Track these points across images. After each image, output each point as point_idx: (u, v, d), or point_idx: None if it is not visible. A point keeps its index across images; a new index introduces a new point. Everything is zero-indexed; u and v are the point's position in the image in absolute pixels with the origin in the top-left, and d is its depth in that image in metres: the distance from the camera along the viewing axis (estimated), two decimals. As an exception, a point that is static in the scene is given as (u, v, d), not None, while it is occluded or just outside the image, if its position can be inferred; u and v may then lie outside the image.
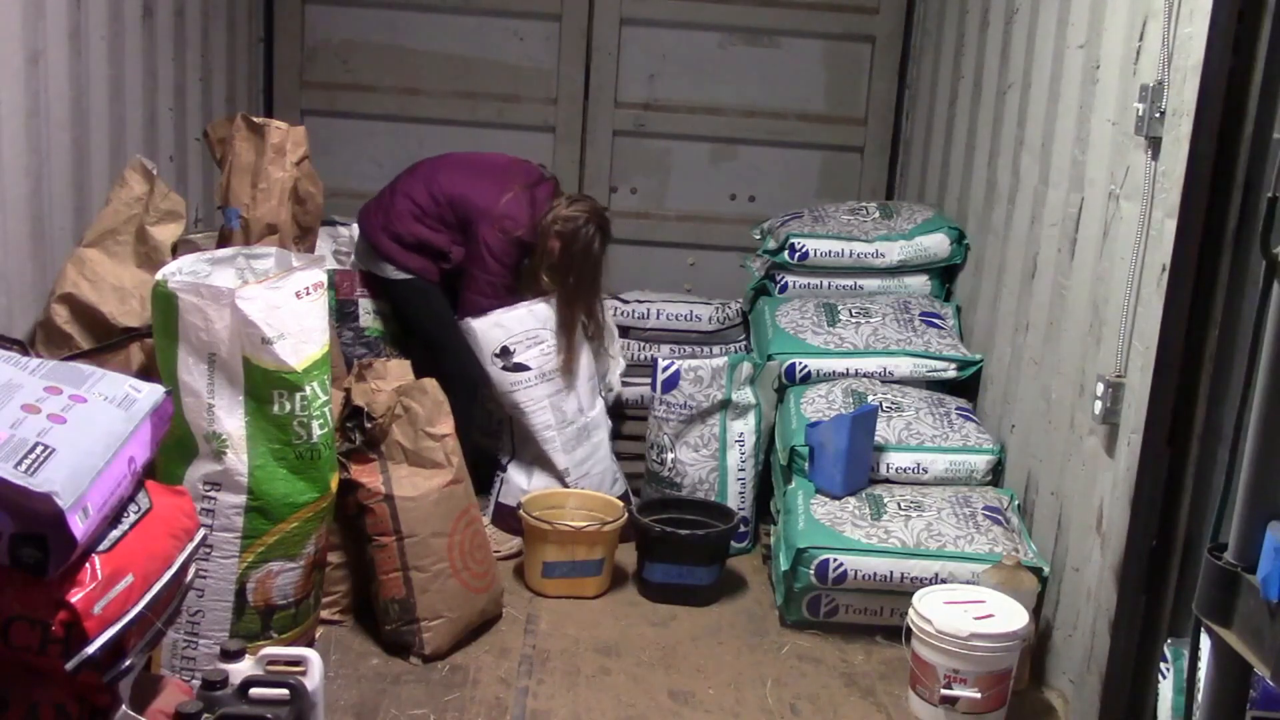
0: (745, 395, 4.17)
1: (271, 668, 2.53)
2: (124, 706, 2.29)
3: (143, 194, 3.33)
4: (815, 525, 3.67)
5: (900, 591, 3.51)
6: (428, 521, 3.36)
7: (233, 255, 3.13)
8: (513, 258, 4.10)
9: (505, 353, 4.07)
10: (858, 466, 3.85)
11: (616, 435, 4.52)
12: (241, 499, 2.94)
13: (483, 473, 4.12)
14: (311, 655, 2.58)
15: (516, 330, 4.08)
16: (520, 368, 4.08)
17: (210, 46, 4.54)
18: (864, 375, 4.26)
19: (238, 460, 2.92)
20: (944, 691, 3.14)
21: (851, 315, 4.42)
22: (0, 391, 2.21)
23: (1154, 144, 2.98)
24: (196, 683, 2.61)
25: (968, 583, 3.44)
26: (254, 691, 2.42)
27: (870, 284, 4.66)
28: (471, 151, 4.39)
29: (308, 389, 2.96)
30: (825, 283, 4.67)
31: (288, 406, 2.94)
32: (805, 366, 4.27)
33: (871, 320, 4.39)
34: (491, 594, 3.57)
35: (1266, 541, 1.72)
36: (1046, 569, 3.48)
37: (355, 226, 4.61)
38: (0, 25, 3.03)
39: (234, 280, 2.94)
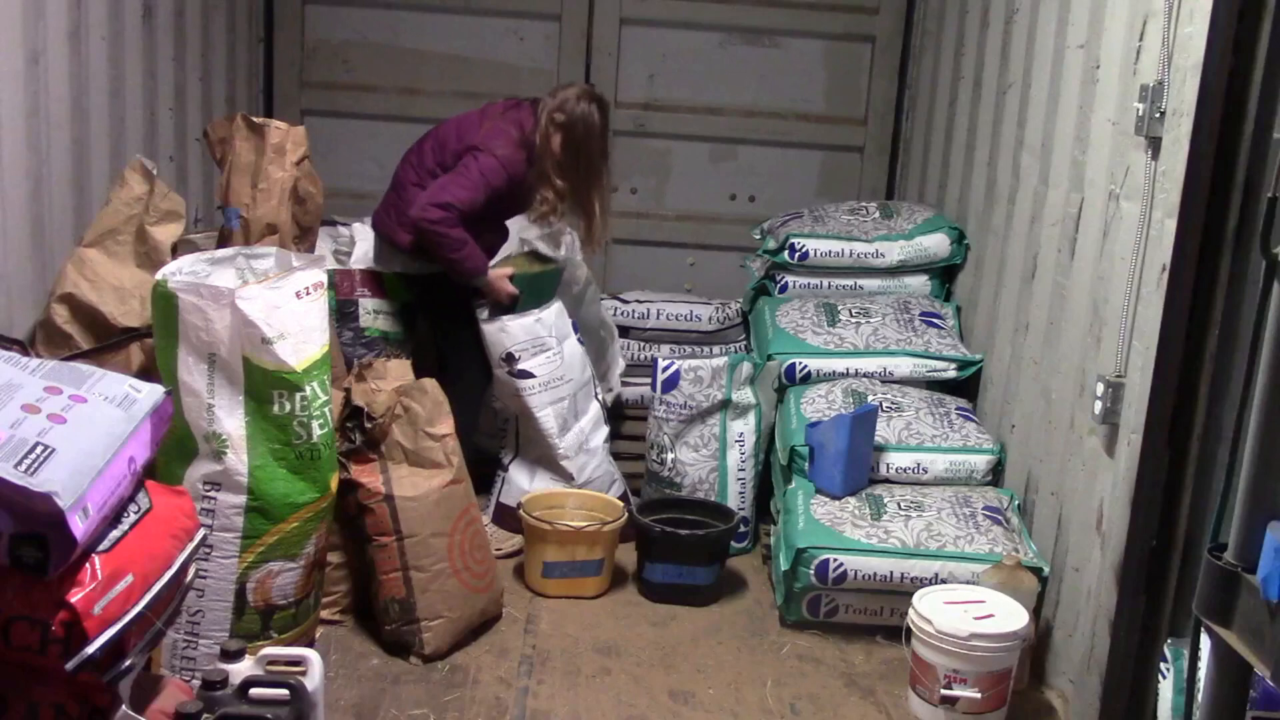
0: (745, 395, 4.17)
1: (271, 668, 2.53)
2: (124, 706, 2.30)
3: (143, 194, 3.33)
4: (815, 525, 3.67)
5: (900, 591, 3.51)
6: (428, 521, 3.36)
7: (233, 255, 3.13)
8: (499, 178, 3.95)
9: (510, 359, 4.06)
10: (858, 466, 3.85)
11: (616, 435, 4.52)
12: (241, 499, 2.94)
13: (483, 472, 4.12)
14: (311, 655, 2.59)
15: (522, 338, 4.06)
16: (525, 374, 4.08)
17: (210, 46, 4.55)
18: (864, 375, 4.26)
19: (238, 460, 2.92)
20: (944, 691, 3.14)
21: (851, 315, 4.42)
22: (0, 391, 2.21)
23: (1154, 144, 2.98)
24: (196, 683, 2.61)
25: (968, 583, 3.44)
26: (254, 691, 2.42)
27: (870, 284, 4.66)
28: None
29: (308, 389, 2.96)
30: (825, 283, 4.67)
31: (288, 406, 2.94)
32: (805, 366, 4.27)
33: (871, 320, 4.39)
34: (491, 594, 3.57)
35: (1266, 541, 1.72)
36: (1046, 569, 3.48)
37: (355, 227, 4.62)
38: (0, 25, 3.03)
39: (234, 280, 2.94)
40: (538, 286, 4.19)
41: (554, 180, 4.03)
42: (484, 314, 4.10)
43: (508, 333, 4.05)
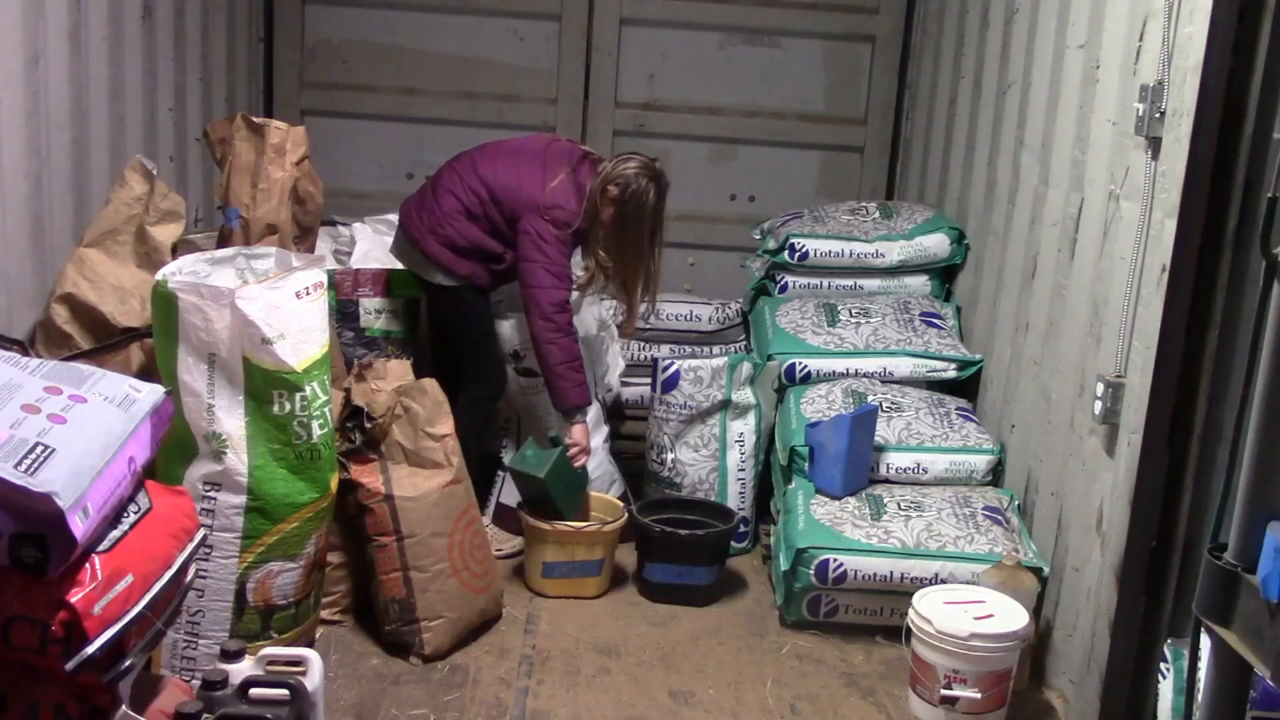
0: (745, 395, 4.17)
1: (271, 668, 2.53)
2: (124, 706, 2.30)
3: (143, 194, 3.33)
4: (815, 525, 3.67)
5: (900, 591, 3.51)
6: (428, 521, 3.36)
7: (233, 255, 3.13)
8: (568, 244, 3.83)
9: (516, 356, 4.06)
10: (858, 466, 3.85)
11: (616, 435, 4.52)
12: (241, 499, 2.94)
13: (484, 472, 4.12)
14: (311, 655, 2.59)
15: (528, 337, 4.05)
16: (530, 373, 4.07)
17: (210, 46, 4.55)
18: (864, 375, 4.26)
19: (238, 460, 2.92)
20: (944, 691, 3.14)
21: (851, 315, 4.42)
22: (0, 391, 2.21)
23: (1154, 144, 2.98)
24: (196, 683, 2.61)
25: (968, 583, 3.44)
26: (254, 691, 2.42)
27: (870, 284, 4.66)
28: (506, 139, 4.09)
29: (308, 389, 2.96)
30: (825, 283, 4.67)
31: (288, 406, 2.94)
32: (805, 366, 4.27)
33: (871, 320, 4.39)
34: (491, 594, 3.57)
35: (1266, 541, 1.72)
36: (1046, 569, 3.48)
37: (355, 227, 4.61)
38: (0, 25, 3.03)
39: (234, 280, 2.94)
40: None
41: (598, 251, 3.88)
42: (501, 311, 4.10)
43: (515, 330, 4.05)
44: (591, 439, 4.23)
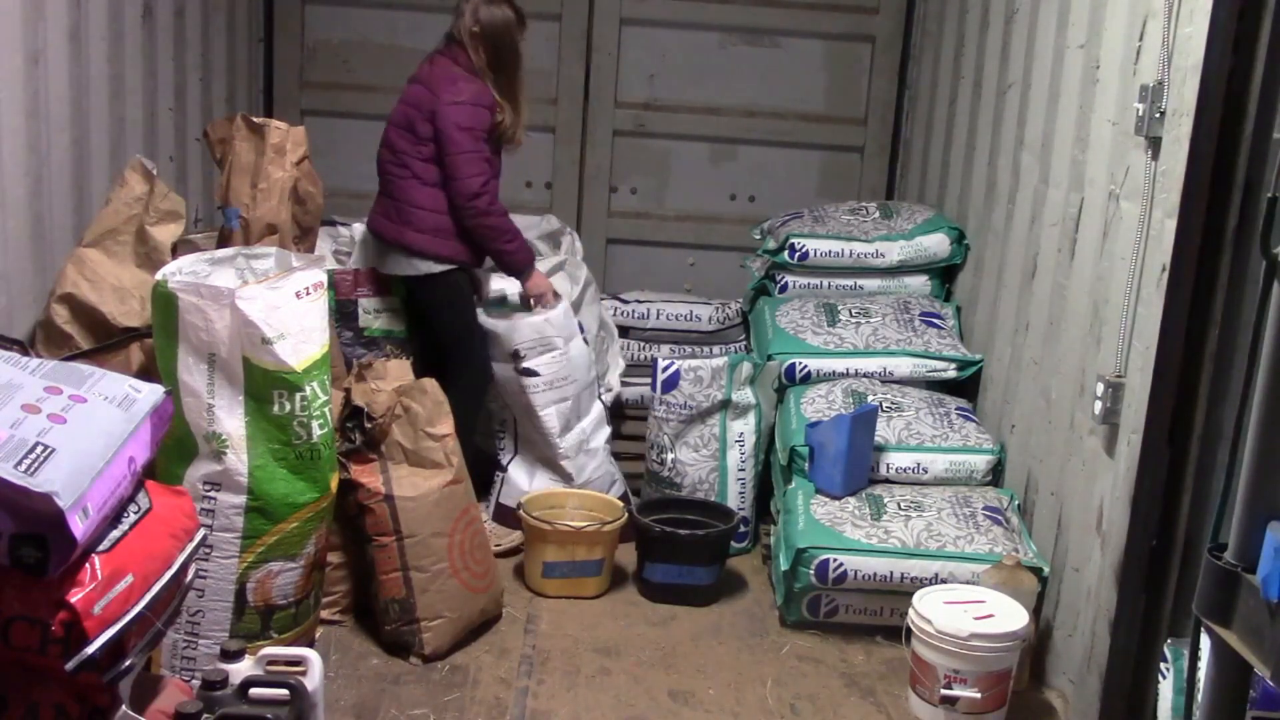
0: (745, 395, 4.17)
1: (271, 668, 2.53)
2: (124, 706, 2.30)
3: (143, 194, 3.33)
4: (815, 525, 3.67)
5: (900, 591, 3.51)
6: (428, 521, 3.36)
7: (233, 255, 3.13)
8: (481, 120, 3.91)
9: (516, 356, 4.07)
10: (858, 466, 3.85)
11: (616, 435, 4.52)
12: (241, 499, 2.94)
13: (483, 473, 4.12)
14: (311, 655, 2.59)
15: (529, 336, 4.07)
16: (528, 373, 4.08)
17: (210, 46, 4.55)
18: (864, 375, 4.26)
19: (238, 460, 2.92)
20: (944, 691, 3.14)
21: (851, 315, 4.42)
22: (0, 391, 2.21)
23: (1154, 144, 2.98)
24: (196, 683, 2.61)
25: (968, 583, 3.44)
26: (254, 691, 2.42)
27: (870, 284, 4.66)
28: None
29: (308, 389, 2.96)
30: (825, 283, 4.67)
31: (288, 406, 2.94)
32: (805, 366, 4.27)
33: (871, 320, 4.39)
34: (491, 594, 3.57)
35: (1266, 541, 1.71)
36: (1046, 569, 3.48)
37: (355, 227, 4.61)
38: (0, 25, 3.03)
39: (234, 280, 2.94)
40: None
41: (496, 95, 3.97)
42: (486, 312, 4.11)
43: (516, 330, 4.06)
44: (593, 439, 4.25)
